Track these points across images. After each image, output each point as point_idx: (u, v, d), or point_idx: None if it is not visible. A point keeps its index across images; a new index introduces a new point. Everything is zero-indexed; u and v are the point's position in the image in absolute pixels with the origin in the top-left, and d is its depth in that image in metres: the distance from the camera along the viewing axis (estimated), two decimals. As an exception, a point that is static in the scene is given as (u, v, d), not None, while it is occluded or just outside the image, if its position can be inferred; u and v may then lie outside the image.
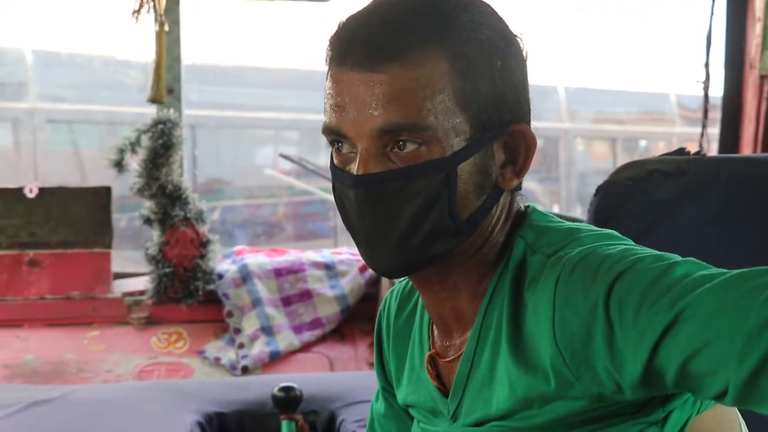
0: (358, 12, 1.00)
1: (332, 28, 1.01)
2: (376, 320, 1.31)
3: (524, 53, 1.03)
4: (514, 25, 1.03)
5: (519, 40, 1.03)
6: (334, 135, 1.00)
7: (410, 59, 0.95)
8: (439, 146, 0.96)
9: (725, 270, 0.84)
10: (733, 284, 0.80)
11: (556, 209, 7.61)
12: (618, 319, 0.87)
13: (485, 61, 0.97)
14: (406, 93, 0.94)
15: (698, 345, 0.80)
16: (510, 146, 1.02)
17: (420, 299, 1.20)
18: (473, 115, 0.97)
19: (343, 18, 1.01)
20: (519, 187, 1.07)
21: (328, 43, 1.01)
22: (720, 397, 0.80)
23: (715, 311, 0.79)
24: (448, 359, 1.11)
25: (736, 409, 1.08)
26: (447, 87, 0.96)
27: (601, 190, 1.75)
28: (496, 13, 1.02)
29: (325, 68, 1.02)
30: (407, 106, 0.94)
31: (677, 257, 0.90)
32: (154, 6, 2.84)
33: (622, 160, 7.89)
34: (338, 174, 1.01)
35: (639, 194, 1.74)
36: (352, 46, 0.96)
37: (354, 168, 0.98)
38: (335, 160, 1.02)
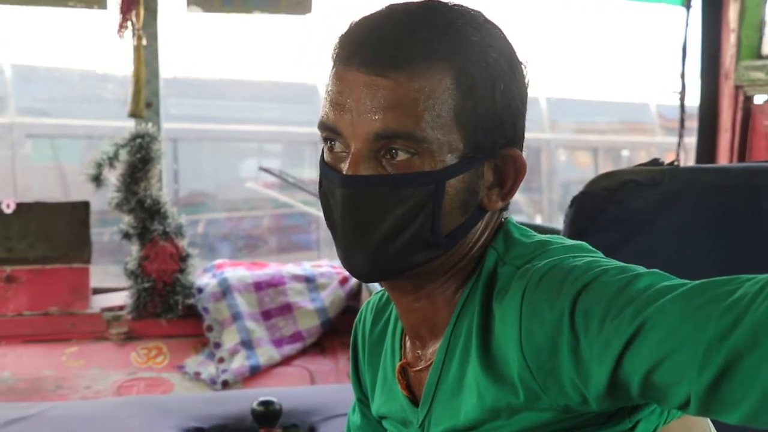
0: (371, 15, 1.01)
1: (341, 29, 1.02)
2: (352, 332, 1.32)
3: (526, 80, 1.04)
4: (520, 51, 1.04)
5: (523, 66, 1.04)
6: (329, 132, 1.01)
7: (417, 69, 0.95)
8: (432, 159, 0.97)
9: (688, 281, 0.85)
10: (694, 294, 0.81)
11: (538, 219, 7.64)
12: (583, 331, 0.87)
13: (489, 83, 0.98)
14: (407, 102, 0.95)
15: (661, 355, 0.80)
16: (500, 169, 1.03)
17: (394, 310, 1.20)
18: (469, 134, 0.98)
19: (355, 19, 1.01)
20: (505, 208, 1.08)
21: (336, 41, 1.01)
22: (684, 407, 0.80)
23: (677, 321, 0.80)
24: (418, 368, 1.12)
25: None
26: (448, 102, 0.96)
27: (576, 201, 1.76)
28: (504, 37, 1.03)
29: (330, 65, 1.02)
30: (407, 115, 0.95)
31: (642, 269, 0.90)
32: (132, 21, 2.84)
33: (604, 169, 7.93)
34: (327, 172, 1.02)
35: (614, 205, 1.75)
36: (361, 48, 0.97)
37: (344, 167, 0.99)
38: (326, 157, 1.03)
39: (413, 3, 1.01)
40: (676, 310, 0.81)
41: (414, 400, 1.13)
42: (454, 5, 1.01)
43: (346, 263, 1.04)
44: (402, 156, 0.97)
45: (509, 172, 1.04)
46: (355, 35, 0.99)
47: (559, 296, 0.90)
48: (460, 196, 0.99)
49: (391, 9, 1.00)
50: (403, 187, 0.97)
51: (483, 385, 0.99)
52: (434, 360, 1.07)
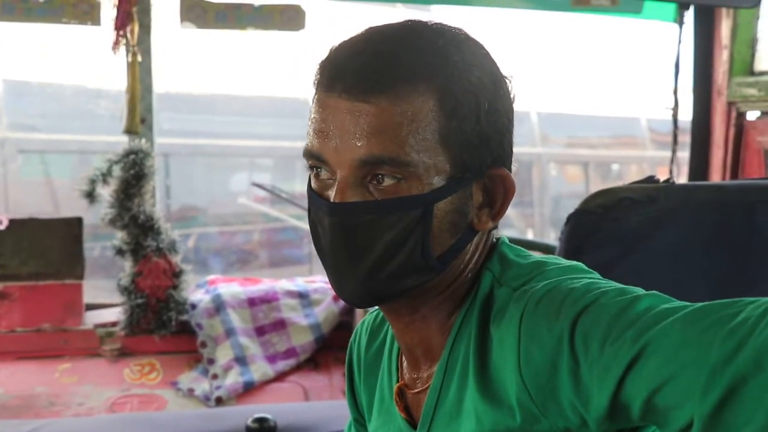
0: (351, 39, 1.00)
1: (323, 53, 1.01)
2: (347, 352, 1.31)
3: (512, 96, 1.03)
4: (505, 67, 1.03)
5: (508, 82, 1.03)
6: (314, 160, 1.00)
7: (399, 93, 0.94)
8: (419, 183, 0.96)
9: (688, 303, 0.85)
10: (696, 318, 0.81)
11: (530, 234, 7.64)
12: (583, 354, 0.87)
13: (473, 103, 0.97)
14: (390, 127, 0.94)
15: (663, 379, 0.80)
16: (489, 189, 1.03)
17: (390, 330, 1.20)
18: (455, 155, 0.97)
19: (335, 43, 1.00)
20: (495, 227, 1.07)
21: (318, 67, 1.00)
22: (686, 430, 0.80)
23: (679, 345, 0.80)
24: (415, 391, 1.11)
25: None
26: (432, 124, 0.95)
27: (572, 219, 1.76)
28: (488, 55, 1.02)
29: (313, 92, 1.02)
30: (390, 140, 0.94)
31: (641, 290, 0.90)
32: (126, 37, 2.84)
33: (595, 183, 7.96)
34: (315, 199, 1.01)
35: (610, 222, 1.75)
36: (342, 74, 0.96)
37: (331, 195, 0.98)
38: (313, 185, 1.02)
39: (393, 25, 1.00)
40: (678, 333, 0.81)
41: (412, 422, 1.12)
42: (434, 25, 1.01)
43: (338, 290, 1.03)
44: (388, 181, 0.96)
45: (498, 192, 1.03)
46: (336, 61, 0.98)
47: (558, 318, 0.90)
48: (449, 218, 0.99)
49: (370, 32, 1.00)
50: (391, 213, 0.96)
51: (481, 409, 0.98)
52: (432, 383, 1.07)
